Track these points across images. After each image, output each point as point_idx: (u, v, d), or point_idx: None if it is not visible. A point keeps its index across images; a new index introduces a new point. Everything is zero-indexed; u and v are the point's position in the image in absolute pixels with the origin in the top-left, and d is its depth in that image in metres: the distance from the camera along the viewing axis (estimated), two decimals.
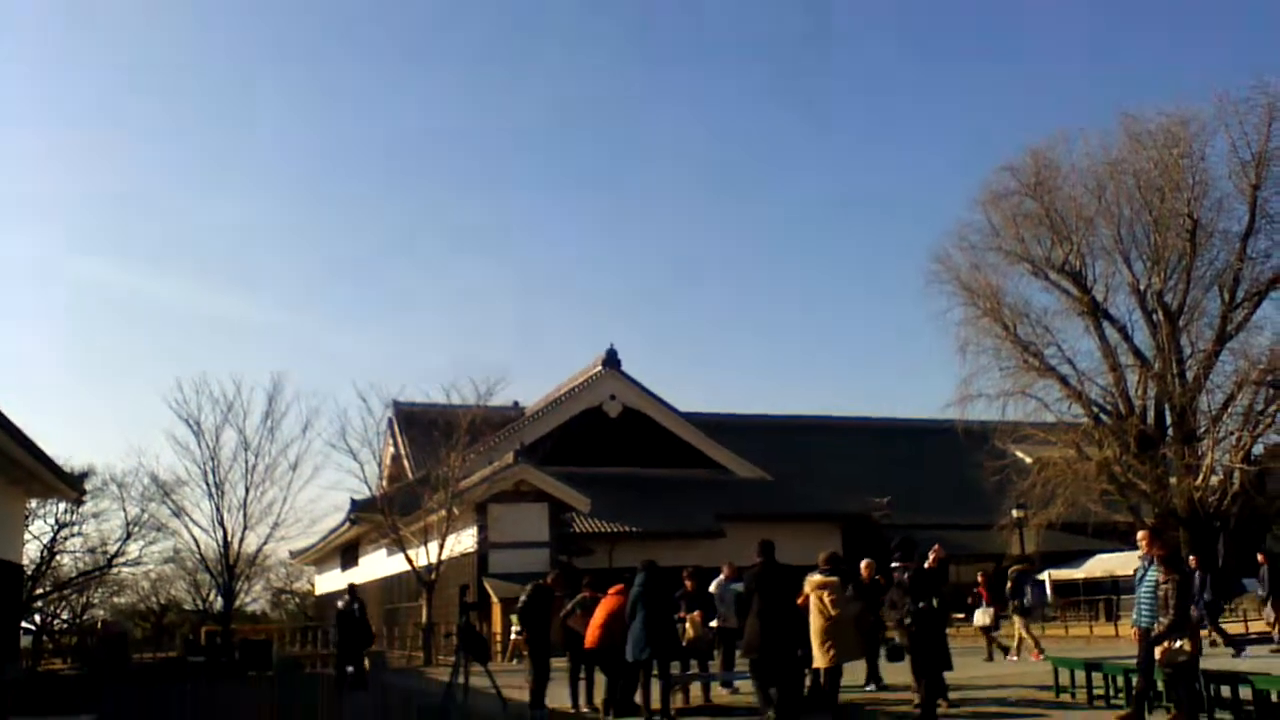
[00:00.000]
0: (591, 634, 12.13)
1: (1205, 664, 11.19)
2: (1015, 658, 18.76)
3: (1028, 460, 35.84)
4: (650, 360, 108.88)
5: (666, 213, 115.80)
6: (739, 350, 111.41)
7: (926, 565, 11.97)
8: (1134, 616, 10.71)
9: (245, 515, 28.82)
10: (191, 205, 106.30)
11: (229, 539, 28.88)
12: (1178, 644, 9.56)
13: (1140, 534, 10.90)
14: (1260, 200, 32.30)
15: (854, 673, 10.88)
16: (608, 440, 38.56)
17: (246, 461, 28.96)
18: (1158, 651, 9.78)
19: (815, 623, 10.82)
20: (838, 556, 11.58)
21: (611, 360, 40.12)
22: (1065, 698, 12.44)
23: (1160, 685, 10.50)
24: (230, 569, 29.55)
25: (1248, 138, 32.34)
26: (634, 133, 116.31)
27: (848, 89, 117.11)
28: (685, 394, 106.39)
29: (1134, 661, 10.58)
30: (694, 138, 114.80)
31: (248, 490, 28.81)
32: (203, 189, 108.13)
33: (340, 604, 19.10)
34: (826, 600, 10.77)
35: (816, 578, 11.07)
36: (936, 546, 13.10)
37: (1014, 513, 33.49)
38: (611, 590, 12.45)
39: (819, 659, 10.71)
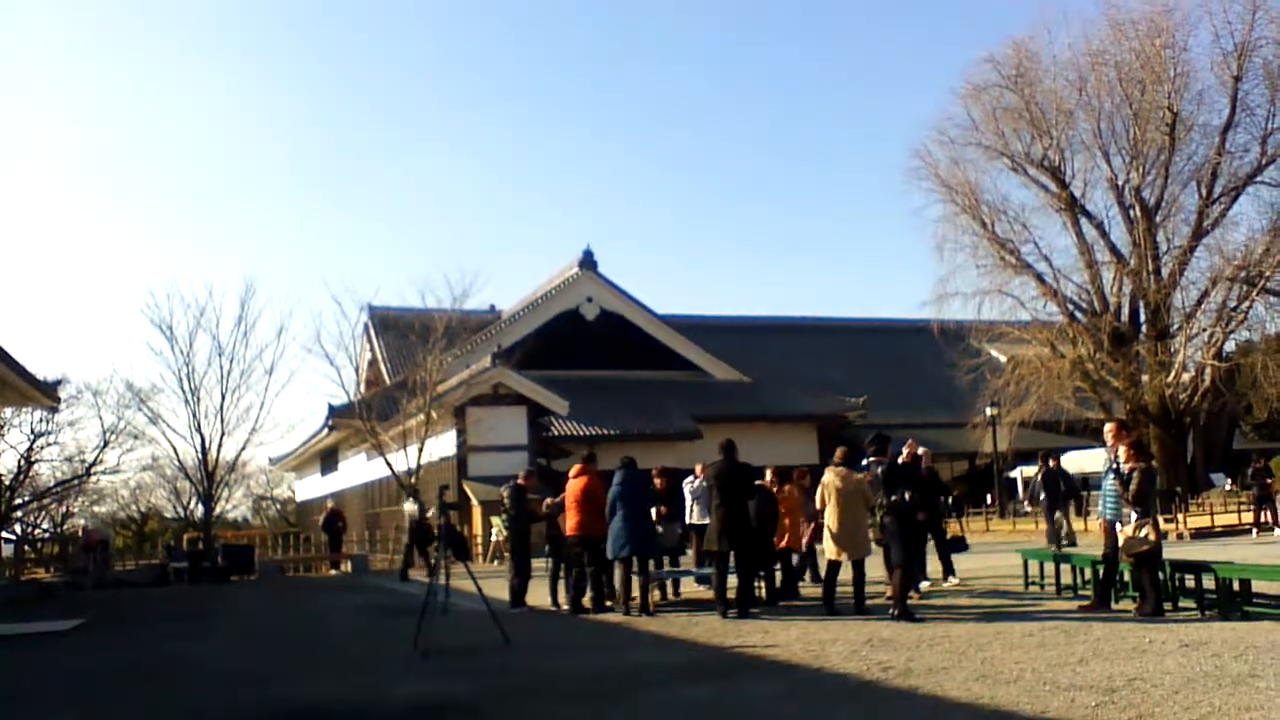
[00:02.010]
0: (570, 522, 12.13)
1: (1171, 554, 11.44)
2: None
3: (1003, 359, 36.09)
4: (628, 262, 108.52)
5: (645, 110, 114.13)
6: (717, 251, 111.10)
7: (900, 460, 12.05)
8: (1099, 508, 10.89)
9: (222, 421, 28.70)
10: (158, 103, 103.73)
11: (207, 445, 28.81)
12: (1142, 532, 9.72)
13: (1108, 427, 11.06)
14: (1241, 93, 32.05)
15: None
16: (585, 343, 38.48)
17: (221, 367, 28.73)
18: (1121, 538, 9.95)
19: (845, 517, 10.80)
20: (858, 451, 11.59)
21: (588, 262, 39.80)
22: (1034, 589, 12.71)
23: (1126, 575, 10.73)
24: (209, 476, 29.55)
25: (1230, 27, 31.95)
26: (618, 27, 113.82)
27: None
28: (663, 296, 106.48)
29: (1101, 553, 10.78)
30: (678, 28, 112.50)
31: (224, 396, 28.64)
32: (169, 88, 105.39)
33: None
34: (868, 492, 10.85)
35: (846, 471, 10.95)
36: (910, 442, 13.18)
37: (988, 411, 33.87)
38: (572, 472, 12.40)
39: (849, 552, 10.73)
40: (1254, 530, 22.78)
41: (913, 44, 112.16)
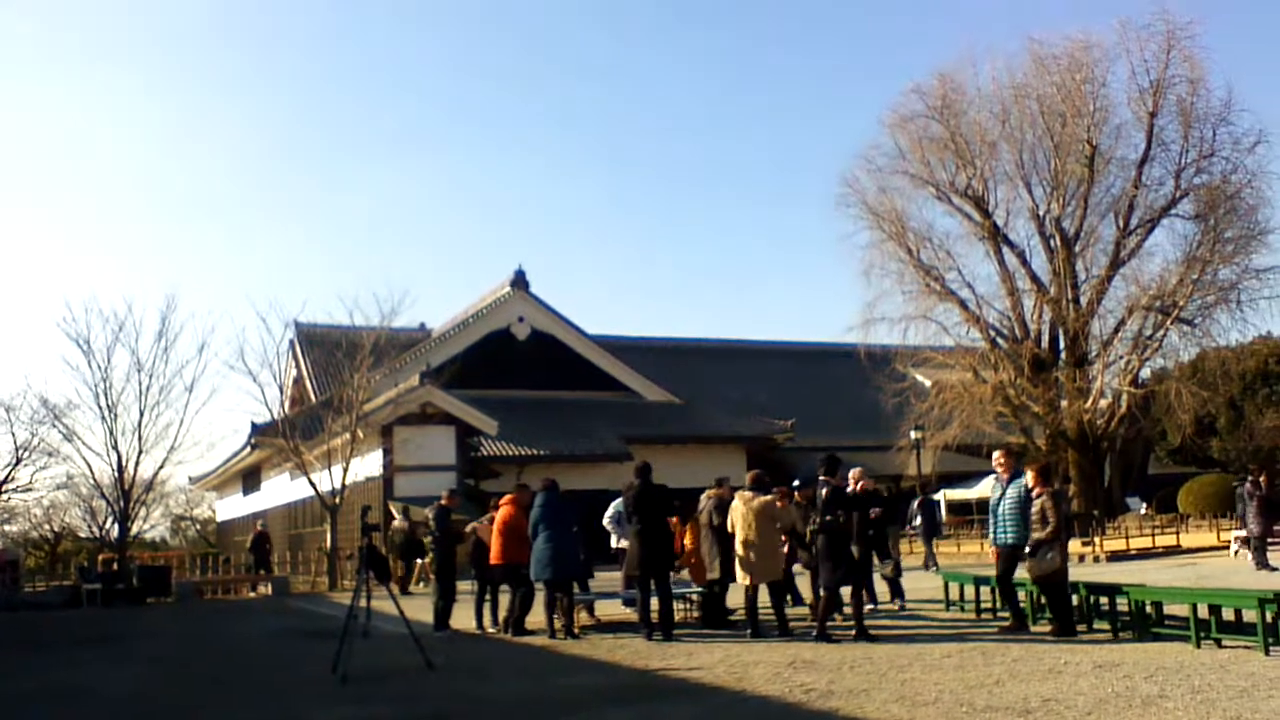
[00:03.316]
0: (494, 549, 12.18)
1: (1087, 577, 11.71)
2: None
3: (927, 383, 36.70)
4: (560, 282, 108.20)
5: (579, 132, 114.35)
6: (650, 274, 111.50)
7: (850, 489, 12.02)
8: (992, 534, 11.06)
9: (140, 439, 27.85)
10: (76, 114, 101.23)
11: (123, 463, 27.95)
12: (1049, 556, 9.89)
13: (996, 455, 11.27)
14: (1157, 128, 33.12)
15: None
16: (516, 363, 38.26)
17: (140, 383, 27.91)
18: (1030, 564, 10.11)
19: (756, 539, 10.89)
20: (764, 476, 11.65)
21: (520, 281, 39.63)
22: (955, 611, 12.89)
23: (1042, 599, 10.93)
24: (125, 495, 28.68)
25: (1147, 65, 33.07)
26: (553, 46, 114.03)
27: (769, 17, 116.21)
28: (595, 316, 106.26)
29: (1027, 577, 10.96)
30: (609, 52, 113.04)
31: (142, 413, 27.81)
32: (89, 98, 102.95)
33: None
34: (781, 514, 10.91)
35: (751, 495, 11.08)
36: (859, 470, 13.17)
37: (912, 434, 34.35)
38: (503, 500, 12.43)
39: (754, 576, 10.85)
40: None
41: (846, 72, 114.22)
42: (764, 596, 11.24)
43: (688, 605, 13.00)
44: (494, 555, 12.20)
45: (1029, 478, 10.44)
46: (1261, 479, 18.40)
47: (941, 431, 33.75)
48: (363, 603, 9.44)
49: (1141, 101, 33.17)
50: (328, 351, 34.31)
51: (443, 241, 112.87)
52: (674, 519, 12.42)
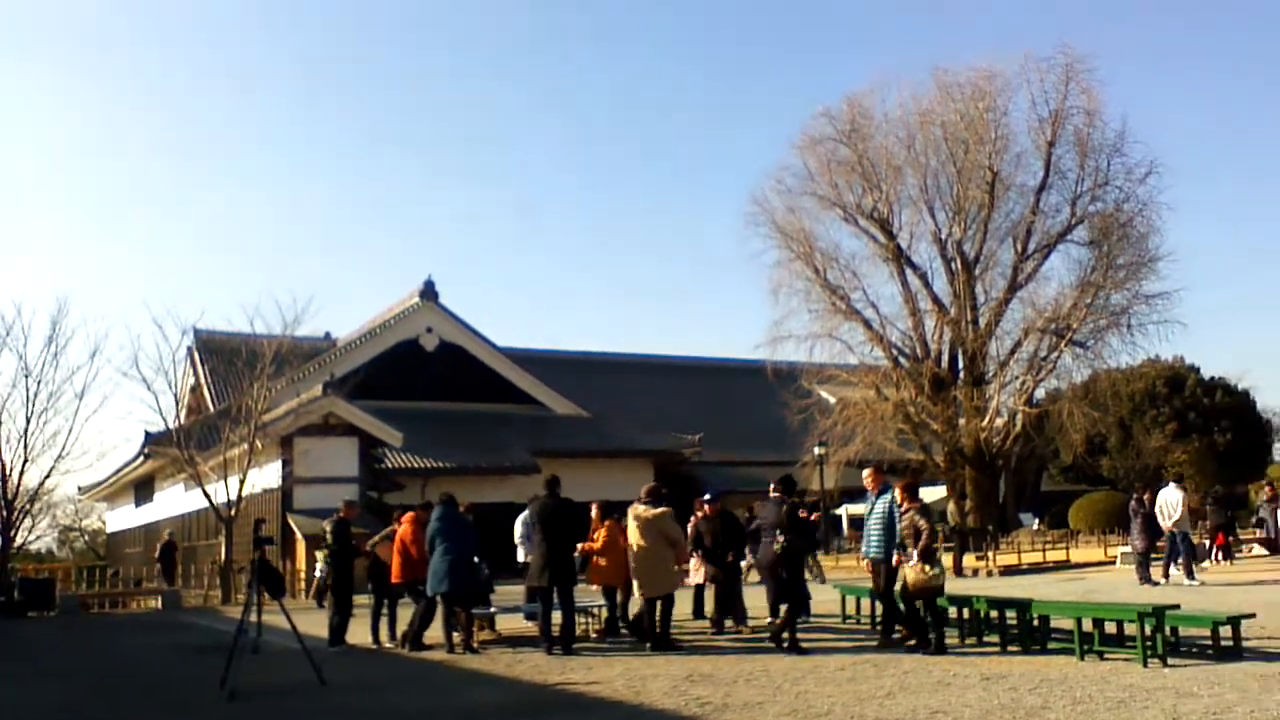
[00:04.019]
0: (395, 567, 12.11)
1: (979, 591, 12.00)
2: None
3: (832, 400, 37.32)
4: (471, 294, 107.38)
5: (489, 143, 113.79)
6: (561, 287, 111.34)
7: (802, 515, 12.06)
8: (864, 549, 11.28)
9: (26, 447, 26.71)
10: None
11: (7, 472, 26.77)
12: (925, 569, 10.12)
13: (866, 472, 11.53)
14: (1054, 157, 34.40)
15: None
16: (424, 374, 37.83)
17: (28, 389, 26.81)
18: (909, 575, 10.30)
19: (641, 553, 10.93)
20: (660, 489, 11.69)
21: (429, 292, 39.24)
22: (851, 624, 13.09)
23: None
24: (9, 505, 27.45)
25: (1046, 95, 34.35)
26: (466, 55, 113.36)
27: (685, 36, 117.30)
28: (506, 329, 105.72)
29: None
30: (524, 65, 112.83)
31: (29, 420, 26.68)
32: None
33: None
34: (665, 529, 10.92)
35: (644, 510, 11.15)
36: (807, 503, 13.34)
37: (816, 450, 34.85)
38: (405, 517, 12.32)
39: (643, 589, 10.88)
40: (1216, 554, 23.28)
41: (764, 92, 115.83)
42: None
43: (590, 619, 12.97)
44: (395, 573, 12.10)
45: (896, 494, 10.63)
46: (1145, 496, 19.08)
47: (844, 447, 34.34)
48: (253, 617, 9.20)
49: (1041, 131, 34.41)
50: (227, 360, 33.39)
51: (353, 251, 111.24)
52: (602, 532, 12.42)
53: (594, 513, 12.38)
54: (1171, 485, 19.70)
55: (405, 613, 12.36)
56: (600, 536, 12.25)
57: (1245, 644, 9.32)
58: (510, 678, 9.47)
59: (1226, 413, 46.21)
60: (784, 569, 10.52)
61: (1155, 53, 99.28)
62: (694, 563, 13.32)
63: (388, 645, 12.34)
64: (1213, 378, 48.32)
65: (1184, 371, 47.75)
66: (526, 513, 14.11)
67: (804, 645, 10.32)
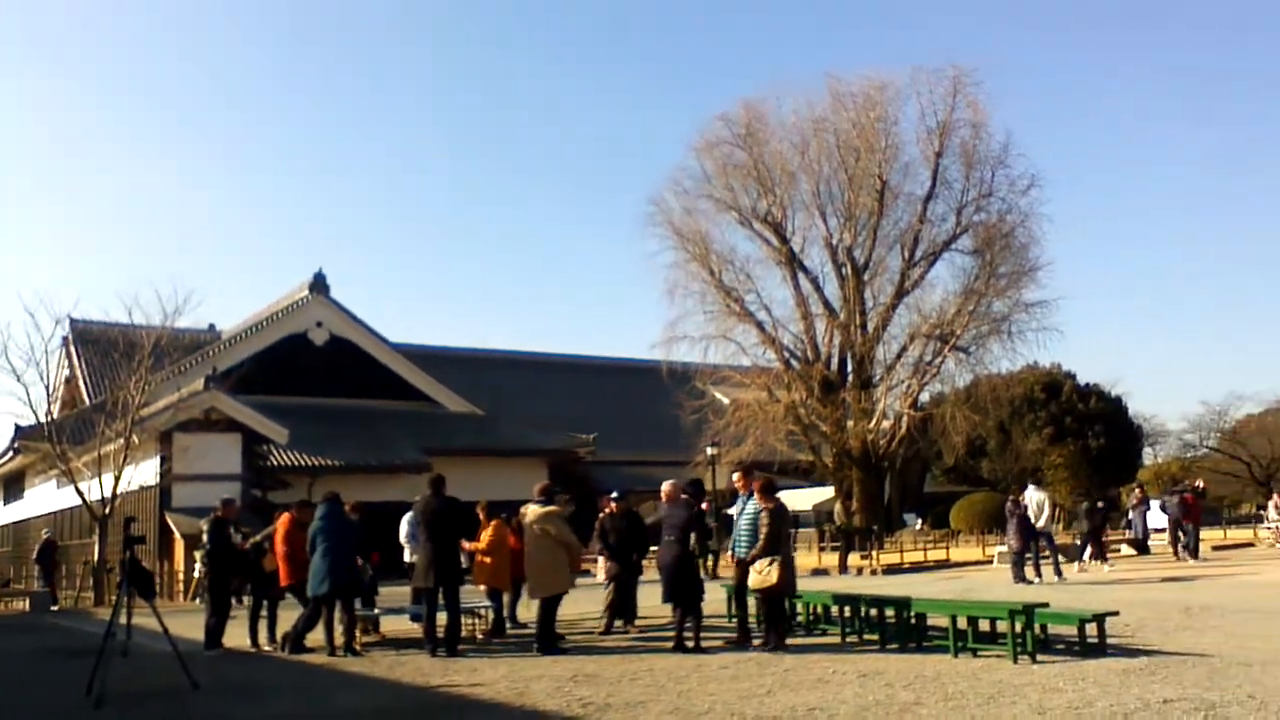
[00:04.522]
0: (282, 571, 11.80)
1: (861, 589, 12.26)
2: None
3: (725, 401, 37.74)
4: (363, 288, 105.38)
5: (384, 139, 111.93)
6: (457, 284, 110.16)
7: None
8: (732, 548, 11.47)
9: None
10: None
11: None
12: (770, 570, 10.23)
13: (736, 474, 11.71)
14: (941, 168, 35.40)
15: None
16: (312, 369, 36.97)
17: None
18: (752, 575, 10.44)
19: (529, 553, 10.90)
20: (552, 488, 11.63)
21: (319, 285, 38.33)
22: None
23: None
24: None
25: (934, 107, 35.35)
26: (363, 53, 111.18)
27: (585, 37, 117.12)
28: (401, 324, 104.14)
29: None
30: (423, 69, 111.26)
31: None
32: None
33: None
34: (550, 529, 10.86)
35: (536, 508, 11.09)
36: (670, 484, 13.30)
37: (709, 450, 35.17)
38: (281, 518, 11.99)
39: (531, 589, 10.83)
40: (1087, 555, 24.03)
41: (663, 93, 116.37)
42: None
43: (476, 620, 12.85)
44: (283, 576, 11.81)
45: (754, 499, 10.79)
46: (1020, 498, 19.76)
47: (737, 448, 34.71)
48: (123, 619, 8.86)
49: (929, 141, 35.39)
50: (104, 351, 32.19)
51: (242, 243, 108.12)
52: (488, 532, 12.29)
53: (479, 512, 12.26)
54: (1031, 486, 20.41)
55: (287, 615, 12.06)
56: (486, 536, 12.15)
57: (1109, 641, 9.71)
58: (391, 680, 9.31)
59: (1100, 418, 48.27)
60: (684, 570, 10.61)
61: (1038, 70, 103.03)
62: (601, 561, 13.27)
63: (266, 648, 12.02)
64: (1087, 384, 50.43)
65: (1060, 378, 49.73)
66: (412, 512, 13.92)
67: (690, 644, 10.40)
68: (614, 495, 13.27)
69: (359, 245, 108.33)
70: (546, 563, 10.94)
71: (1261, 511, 32.35)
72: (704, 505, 12.03)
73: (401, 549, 14.67)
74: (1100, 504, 25.32)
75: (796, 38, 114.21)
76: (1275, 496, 29.19)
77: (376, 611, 12.95)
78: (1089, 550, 22.48)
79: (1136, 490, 27.80)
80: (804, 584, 15.17)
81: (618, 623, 12.61)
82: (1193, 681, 7.74)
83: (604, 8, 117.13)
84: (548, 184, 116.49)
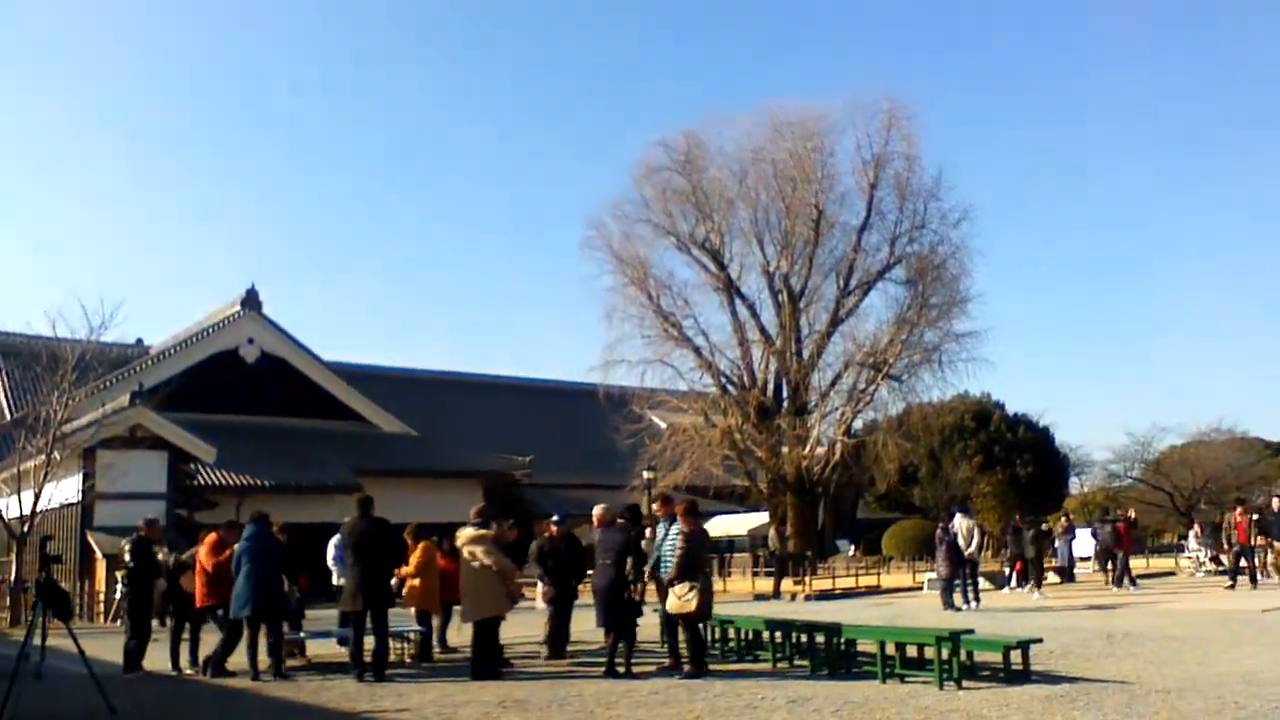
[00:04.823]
0: (199, 590, 11.57)
1: (792, 615, 12.33)
2: None
3: (663, 425, 37.81)
4: (298, 306, 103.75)
5: (319, 156, 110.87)
6: (393, 302, 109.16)
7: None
8: (656, 572, 11.52)
9: None
10: None
11: None
12: (689, 593, 10.26)
13: (656, 500, 11.82)
14: (876, 199, 35.98)
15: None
16: (243, 387, 36.29)
17: None
18: (670, 600, 10.45)
19: (464, 576, 10.80)
20: (487, 510, 11.55)
21: (252, 301, 37.71)
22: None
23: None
24: None
25: (870, 139, 35.96)
26: (301, 66, 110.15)
27: (525, 56, 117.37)
28: (334, 343, 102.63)
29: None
30: (356, 78, 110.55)
31: None
32: None
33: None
34: (479, 554, 10.76)
35: (469, 531, 10.99)
36: (601, 508, 13.27)
37: (644, 474, 35.17)
38: (206, 539, 11.75)
39: (468, 613, 10.72)
40: (1014, 582, 24.32)
41: (608, 121, 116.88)
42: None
43: (405, 644, 12.68)
44: (200, 598, 11.54)
45: (676, 523, 10.83)
46: (949, 525, 20.06)
47: (673, 472, 34.72)
48: (38, 640, 8.60)
49: (864, 173, 35.97)
50: (25, 364, 31.30)
51: (174, 256, 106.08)
52: (417, 554, 12.12)
53: (407, 535, 12.12)
54: (959, 514, 20.76)
55: (211, 637, 11.80)
56: (415, 559, 12.02)
57: (1033, 667, 9.89)
58: (316, 705, 9.15)
59: (1028, 447, 49.30)
60: (619, 595, 10.55)
61: (970, 106, 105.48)
62: (540, 586, 13.15)
63: (188, 671, 11.74)
64: (1016, 414, 51.49)
65: (990, 407, 50.72)
66: (339, 534, 13.73)
67: (621, 669, 10.36)
68: (554, 519, 13.22)
69: (294, 263, 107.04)
70: (481, 586, 10.83)
71: (1183, 541, 33.16)
72: (647, 531, 12.01)
73: (330, 571, 14.45)
74: (1045, 529, 25.85)
75: (740, 63, 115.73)
76: (1196, 526, 29.93)
77: (302, 635, 12.71)
78: (1031, 577, 22.88)
79: (1063, 519, 28.41)
80: (737, 609, 15.27)
81: (543, 651, 12.50)
82: (1113, 708, 7.90)
83: (548, 25, 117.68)
84: (487, 204, 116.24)
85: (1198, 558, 27.56)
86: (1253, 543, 21.07)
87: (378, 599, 10.65)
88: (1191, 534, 29.85)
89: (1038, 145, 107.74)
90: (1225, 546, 23.53)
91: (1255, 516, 21.31)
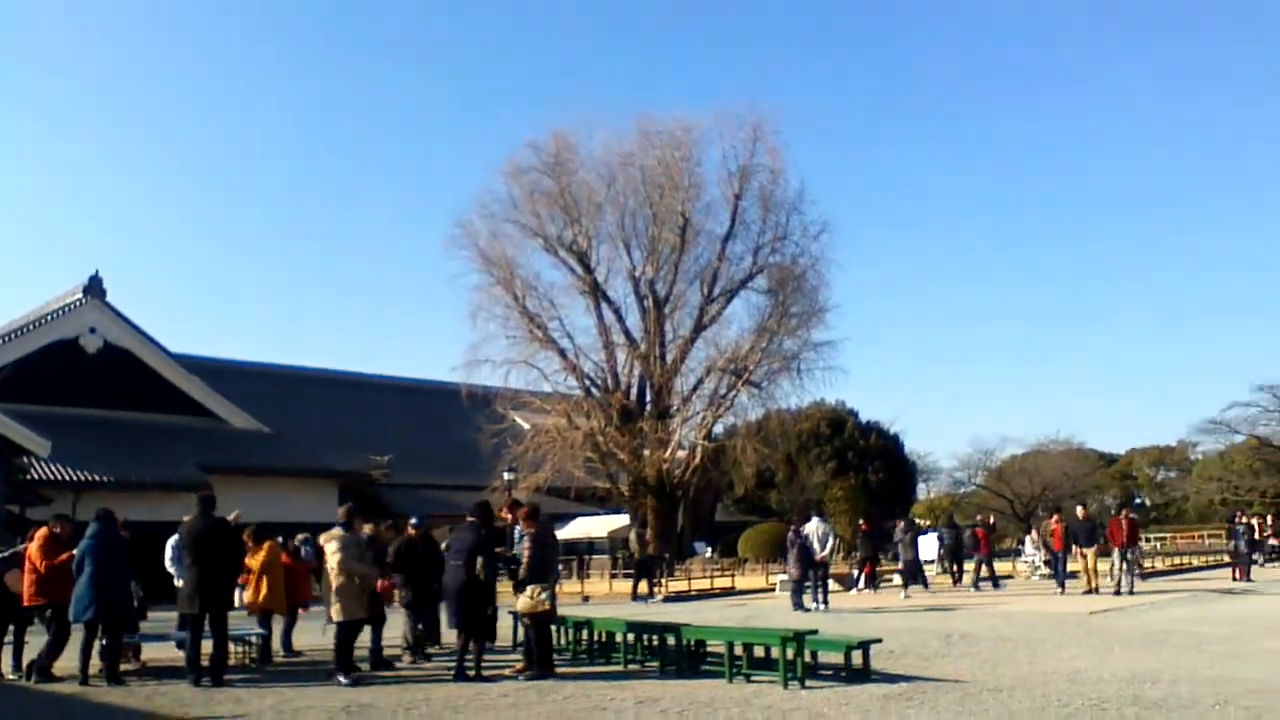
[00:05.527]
0: (26, 590, 10.91)
1: (646, 617, 12.43)
2: None
3: (526, 426, 37.60)
4: (147, 295, 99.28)
5: (174, 140, 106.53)
6: (249, 296, 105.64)
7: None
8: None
9: None
10: None
11: None
12: (541, 596, 10.33)
13: (503, 508, 11.91)
14: (740, 209, 36.63)
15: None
16: (84, 378, 34.48)
17: None
18: (519, 601, 10.49)
19: (328, 578, 10.53)
20: (352, 510, 11.25)
21: (95, 288, 35.82)
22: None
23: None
24: None
25: (736, 151, 36.58)
26: (158, 56, 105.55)
27: (395, 49, 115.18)
28: (186, 336, 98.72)
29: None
30: (216, 67, 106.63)
31: None
32: None
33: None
34: (330, 554, 10.49)
35: (330, 532, 10.71)
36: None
37: (506, 475, 34.94)
38: (37, 534, 11.14)
39: (332, 613, 10.43)
40: (861, 583, 24.85)
41: (471, 118, 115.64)
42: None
43: (246, 647, 12.28)
44: (27, 597, 10.91)
45: (520, 522, 10.88)
46: (801, 528, 20.55)
47: (535, 474, 34.60)
48: None
49: (729, 183, 36.57)
50: None
51: (12, 243, 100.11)
52: (261, 555, 11.73)
53: (246, 537, 11.75)
54: (816, 518, 21.31)
55: (37, 640, 11.18)
56: (259, 559, 11.67)
57: (874, 667, 10.23)
58: (148, 711, 8.77)
59: (880, 454, 50.95)
60: (470, 595, 10.43)
61: (831, 123, 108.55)
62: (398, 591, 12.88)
63: (10, 676, 11.09)
64: (869, 422, 53.17)
65: (844, 415, 52.23)
66: (177, 534, 13.21)
67: (471, 672, 10.26)
68: (414, 521, 13.00)
69: (144, 252, 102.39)
70: (342, 587, 10.55)
71: (1021, 546, 34.75)
72: (509, 523, 11.95)
73: (169, 573, 13.85)
74: (924, 532, 26.64)
75: (617, 65, 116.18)
76: (1034, 532, 31.41)
77: (138, 637, 12.16)
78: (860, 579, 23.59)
79: (899, 523, 29.44)
80: (594, 611, 15.33)
81: (406, 656, 12.28)
82: (946, 706, 8.24)
83: (421, 18, 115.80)
84: (351, 198, 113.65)
85: (1033, 562, 28.90)
86: (1068, 550, 22.17)
87: (216, 601, 10.28)
88: (1028, 539, 31.30)
89: (901, 159, 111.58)
90: (1045, 553, 24.87)
91: (1066, 525, 22.45)
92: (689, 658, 10.90)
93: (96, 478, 30.12)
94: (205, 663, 10.27)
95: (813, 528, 20.58)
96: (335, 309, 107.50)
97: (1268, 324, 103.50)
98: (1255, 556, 28.10)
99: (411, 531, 12.69)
